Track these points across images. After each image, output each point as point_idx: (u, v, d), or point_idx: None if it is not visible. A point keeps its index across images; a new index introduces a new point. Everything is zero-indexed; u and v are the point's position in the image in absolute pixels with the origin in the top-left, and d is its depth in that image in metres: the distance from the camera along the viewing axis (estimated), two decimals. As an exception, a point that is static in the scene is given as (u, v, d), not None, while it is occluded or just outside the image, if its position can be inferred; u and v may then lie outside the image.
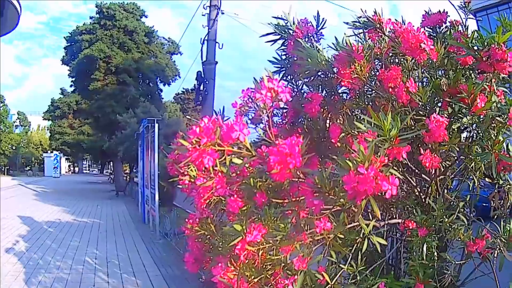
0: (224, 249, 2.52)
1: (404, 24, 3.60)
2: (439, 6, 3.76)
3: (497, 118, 2.63)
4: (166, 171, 12.73)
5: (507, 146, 2.97)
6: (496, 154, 2.59)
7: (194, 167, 2.78)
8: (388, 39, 2.81)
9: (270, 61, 3.87)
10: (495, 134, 2.66)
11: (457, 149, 2.86)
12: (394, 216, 3.55)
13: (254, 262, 2.25)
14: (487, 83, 2.90)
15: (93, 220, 17.94)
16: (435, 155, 2.63)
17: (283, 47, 3.81)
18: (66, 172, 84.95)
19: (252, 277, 2.22)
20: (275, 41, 3.81)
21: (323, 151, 3.23)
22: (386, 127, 1.95)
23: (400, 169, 3.49)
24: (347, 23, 3.08)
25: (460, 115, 2.87)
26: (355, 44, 2.80)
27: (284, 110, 3.78)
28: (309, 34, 3.65)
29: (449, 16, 3.69)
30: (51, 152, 65.34)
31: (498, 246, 2.67)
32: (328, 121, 3.48)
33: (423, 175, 3.60)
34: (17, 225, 15.35)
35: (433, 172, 3.39)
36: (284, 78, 3.88)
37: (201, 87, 12.70)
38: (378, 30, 2.81)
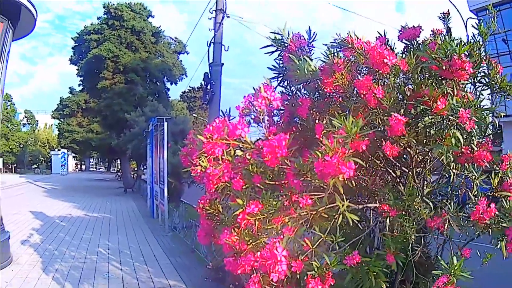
0: (229, 221, 3.17)
1: (385, 35, 4.27)
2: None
3: (450, 117, 3.23)
4: (174, 168, 13.30)
5: (467, 139, 3.57)
6: (447, 145, 3.18)
7: (205, 158, 3.38)
8: (359, 55, 3.42)
9: (269, 68, 4.52)
10: (448, 129, 3.27)
11: (414, 141, 3.44)
12: (376, 201, 4.16)
13: (252, 230, 2.90)
14: (451, 88, 3.51)
15: (103, 215, 18.55)
16: (395, 146, 3.24)
17: (280, 57, 4.45)
18: (73, 169, 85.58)
19: (250, 241, 2.87)
20: (272, 52, 4.44)
21: (313, 146, 3.85)
22: (348, 127, 2.57)
23: (383, 163, 4.12)
24: (325, 44, 3.72)
25: (424, 115, 3.45)
26: (335, 58, 3.42)
27: (282, 111, 4.42)
28: (302, 46, 4.29)
29: (422, 30, 4.27)
30: (59, 150, 65.98)
31: (448, 220, 3.26)
32: (317, 120, 4.09)
33: (402, 168, 4.23)
34: (30, 219, 15.90)
35: (411, 165, 4.02)
36: (281, 84, 4.51)
37: (208, 88, 13.22)
38: (351, 48, 3.42)
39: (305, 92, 4.44)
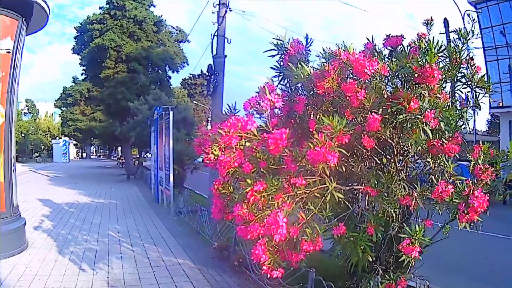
0: (239, 198, 3.90)
1: (372, 42, 4.95)
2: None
3: (418, 116, 3.92)
4: (178, 155, 13.96)
5: (439, 133, 4.26)
6: (414, 139, 3.89)
7: (217, 148, 4.09)
8: (346, 64, 4.11)
9: (272, 67, 5.19)
10: (416, 126, 3.98)
11: (388, 135, 4.15)
12: (362, 184, 4.87)
13: (258, 204, 3.65)
14: (424, 91, 4.19)
15: (109, 201, 19.15)
16: (372, 139, 3.96)
17: (281, 59, 5.12)
18: (74, 157, 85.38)
19: (257, 213, 3.63)
20: (274, 55, 5.12)
21: (308, 137, 4.55)
22: (334, 124, 3.31)
23: (370, 152, 4.82)
24: (318, 56, 4.43)
25: (399, 113, 4.13)
26: (326, 66, 4.12)
27: (282, 106, 5.12)
28: (300, 51, 4.97)
29: (403, 39, 4.91)
30: (60, 138, 66.19)
31: (415, 199, 3.99)
32: (312, 116, 4.79)
33: (387, 156, 4.94)
34: (39, 207, 16.42)
35: (393, 153, 4.73)
36: (282, 81, 5.20)
37: (212, 78, 13.77)
38: (338, 59, 4.11)
39: (302, 90, 5.12)
